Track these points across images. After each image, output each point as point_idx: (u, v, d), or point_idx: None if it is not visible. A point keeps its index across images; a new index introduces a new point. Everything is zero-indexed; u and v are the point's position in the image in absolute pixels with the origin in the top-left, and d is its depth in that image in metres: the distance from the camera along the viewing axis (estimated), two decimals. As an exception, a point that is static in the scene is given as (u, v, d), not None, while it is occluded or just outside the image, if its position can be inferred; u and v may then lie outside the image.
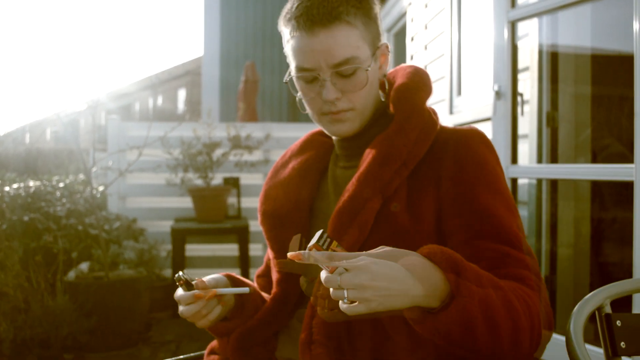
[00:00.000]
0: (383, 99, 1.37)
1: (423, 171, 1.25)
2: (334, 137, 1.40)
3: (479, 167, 1.22)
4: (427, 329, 1.01)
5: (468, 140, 1.26)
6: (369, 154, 1.27)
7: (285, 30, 1.28)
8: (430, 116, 1.30)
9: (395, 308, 0.97)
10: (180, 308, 1.28)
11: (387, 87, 1.38)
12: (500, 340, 1.04)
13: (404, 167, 1.24)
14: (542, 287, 1.15)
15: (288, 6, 1.28)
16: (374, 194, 1.23)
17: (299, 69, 1.27)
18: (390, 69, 1.42)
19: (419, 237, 1.20)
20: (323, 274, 0.97)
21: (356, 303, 0.94)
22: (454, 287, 0.99)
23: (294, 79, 1.30)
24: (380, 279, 0.94)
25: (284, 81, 1.33)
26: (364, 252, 1.00)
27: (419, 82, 1.34)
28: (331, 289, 0.96)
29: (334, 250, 1.01)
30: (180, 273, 1.25)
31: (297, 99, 1.35)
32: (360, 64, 1.24)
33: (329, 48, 1.22)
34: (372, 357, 1.19)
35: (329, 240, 1.03)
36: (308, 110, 1.34)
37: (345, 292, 0.94)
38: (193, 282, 1.26)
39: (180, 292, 1.27)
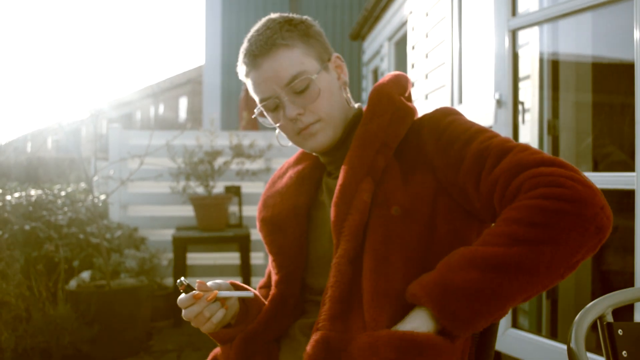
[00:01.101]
0: (350, 105, 1.44)
1: (409, 152, 1.31)
2: (315, 154, 1.46)
3: (450, 128, 1.28)
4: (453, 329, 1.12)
5: (437, 115, 1.33)
6: (353, 145, 1.32)
7: (242, 75, 1.40)
8: (402, 101, 1.36)
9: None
10: (183, 312, 1.29)
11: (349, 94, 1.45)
12: (536, 261, 1.05)
13: (386, 147, 1.30)
14: (556, 161, 1.14)
15: (239, 56, 1.40)
16: (363, 176, 1.28)
17: (260, 101, 1.37)
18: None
19: (415, 215, 1.24)
20: None
21: None
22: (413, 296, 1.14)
23: (264, 113, 1.39)
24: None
25: (252, 117, 1.49)
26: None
27: (391, 80, 1.40)
28: None
29: None
30: (182, 279, 1.27)
31: (276, 133, 1.45)
32: (309, 76, 1.32)
33: (275, 72, 1.32)
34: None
35: None
36: (286, 137, 1.41)
37: None
38: (194, 286, 1.27)
39: (182, 297, 1.28)
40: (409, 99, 1.43)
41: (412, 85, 5.21)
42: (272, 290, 1.42)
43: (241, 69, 1.38)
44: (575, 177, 1.09)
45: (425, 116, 1.34)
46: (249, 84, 1.38)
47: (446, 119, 1.30)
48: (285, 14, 1.40)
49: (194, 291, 1.26)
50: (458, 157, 1.23)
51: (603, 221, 1.06)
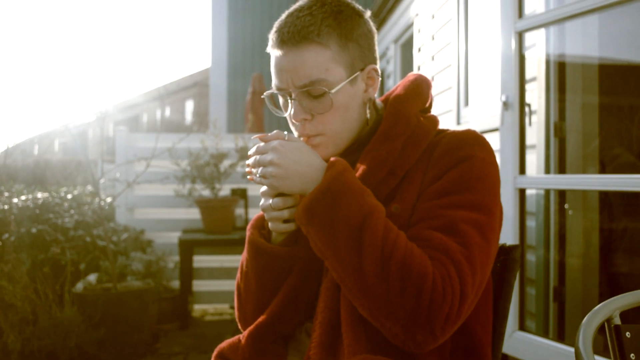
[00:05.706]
0: (368, 122, 1.33)
1: (415, 174, 1.24)
2: None
3: (451, 176, 1.19)
4: (299, 211, 1.14)
5: (452, 147, 1.22)
6: (359, 167, 1.26)
7: (268, 47, 1.28)
8: (420, 123, 1.27)
9: (293, 190, 1.17)
10: (265, 202, 1.27)
11: (371, 109, 1.34)
12: (364, 264, 1.08)
13: (391, 176, 1.23)
14: (454, 276, 1.10)
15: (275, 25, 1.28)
16: None
17: (275, 87, 1.28)
18: (397, 81, 1.41)
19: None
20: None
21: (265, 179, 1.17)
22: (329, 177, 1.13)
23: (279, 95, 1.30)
24: (283, 158, 1.16)
25: (262, 96, 1.37)
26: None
27: (412, 91, 1.31)
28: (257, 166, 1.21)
29: None
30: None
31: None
32: (327, 87, 1.21)
33: (295, 68, 1.21)
34: None
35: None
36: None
37: (260, 169, 1.20)
38: None
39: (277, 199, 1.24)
40: (430, 106, 1.35)
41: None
42: (285, 285, 1.36)
43: (270, 41, 1.26)
44: (455, 303, 1.08)
45: (445, 137, 1.24)
46: (271, 57, 1.27)
47: (459, 162, 1.20)
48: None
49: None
50: (431, 206, 1.18)
51: (426, 344, 1.09)
